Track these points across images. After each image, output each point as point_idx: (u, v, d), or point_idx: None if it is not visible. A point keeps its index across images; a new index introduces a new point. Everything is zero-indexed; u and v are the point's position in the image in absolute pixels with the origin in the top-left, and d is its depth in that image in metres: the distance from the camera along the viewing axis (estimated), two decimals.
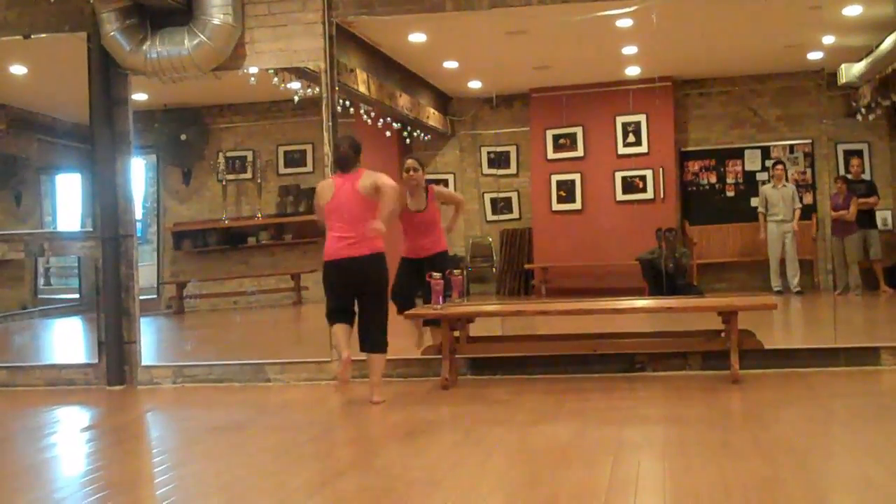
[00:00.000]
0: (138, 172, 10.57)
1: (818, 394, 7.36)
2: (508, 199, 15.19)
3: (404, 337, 9.13)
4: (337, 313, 7.64)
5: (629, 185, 14.55)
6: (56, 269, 12.85)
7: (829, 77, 12.52)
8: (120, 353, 9.10)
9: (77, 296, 13.55)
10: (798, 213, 13.34)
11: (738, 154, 14.35)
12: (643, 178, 14.47)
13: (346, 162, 7.60)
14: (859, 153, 13.74)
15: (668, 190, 14.36)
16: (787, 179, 13.61)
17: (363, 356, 7.71)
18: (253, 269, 11.07)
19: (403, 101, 13.10)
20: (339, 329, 7.57)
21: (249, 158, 13.67)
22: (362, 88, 11.33)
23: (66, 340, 12.30)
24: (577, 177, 14.78)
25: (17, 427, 7.49)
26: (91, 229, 9.32)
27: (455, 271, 8.66)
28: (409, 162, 8.77)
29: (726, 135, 14.43)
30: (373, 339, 7.61)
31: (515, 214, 15.22)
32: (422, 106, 13.89)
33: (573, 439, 6.09)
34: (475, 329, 8.54)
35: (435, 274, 8.18)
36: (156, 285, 14.19)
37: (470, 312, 8.54)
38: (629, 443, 5.96)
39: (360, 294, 7.60)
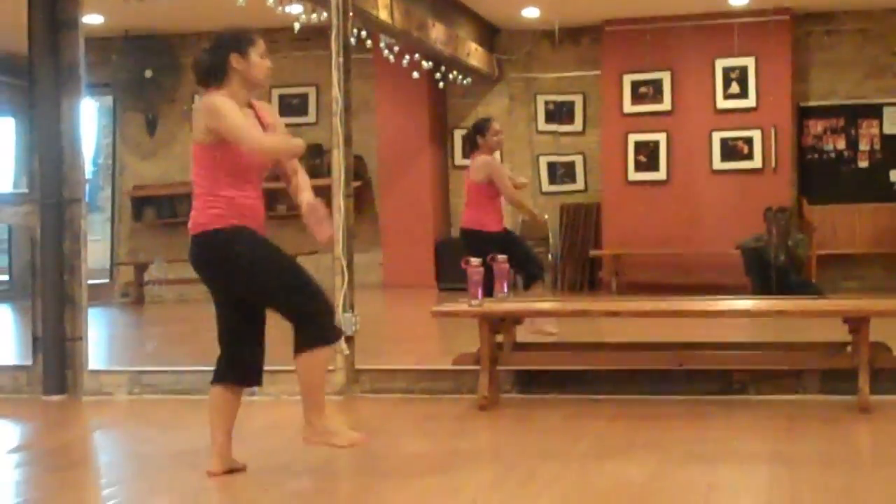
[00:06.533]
0: (89, 118, 10.62)
1: None
2: (571, 165, 15.20)
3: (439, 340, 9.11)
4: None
5: (730, 150, 14.51)
6: None
7: None
8: (61, 354, 9.14)
9: (6, 277, 13.64)
10: None
11: (876, 112, 14.27)
12: (749, 140, 14.43)
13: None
14: None
15: (780, 157, 14.31)
16: None
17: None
18: None
19: (437, 32, 13.09)
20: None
21: None
22: (384, 15, 11.33)
23: None
24: (661, 137, 14.76)
25: None
26: (27, 191, 9.36)
27: (499, 256, 8.59)
28: (497, 124, 10.10)
29: (860, 86, 14.35)
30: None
31: (580, 185, 15.23)
32: (460, 39, 13.88)
33: (649, 481, 6.07)
34: (523, 334, 8.53)
35: (473, 260, 8.00)
36: (109, 266, 14.29)
37: (518, 311, 8.53)
38: (723, 487, 5.94)
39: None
